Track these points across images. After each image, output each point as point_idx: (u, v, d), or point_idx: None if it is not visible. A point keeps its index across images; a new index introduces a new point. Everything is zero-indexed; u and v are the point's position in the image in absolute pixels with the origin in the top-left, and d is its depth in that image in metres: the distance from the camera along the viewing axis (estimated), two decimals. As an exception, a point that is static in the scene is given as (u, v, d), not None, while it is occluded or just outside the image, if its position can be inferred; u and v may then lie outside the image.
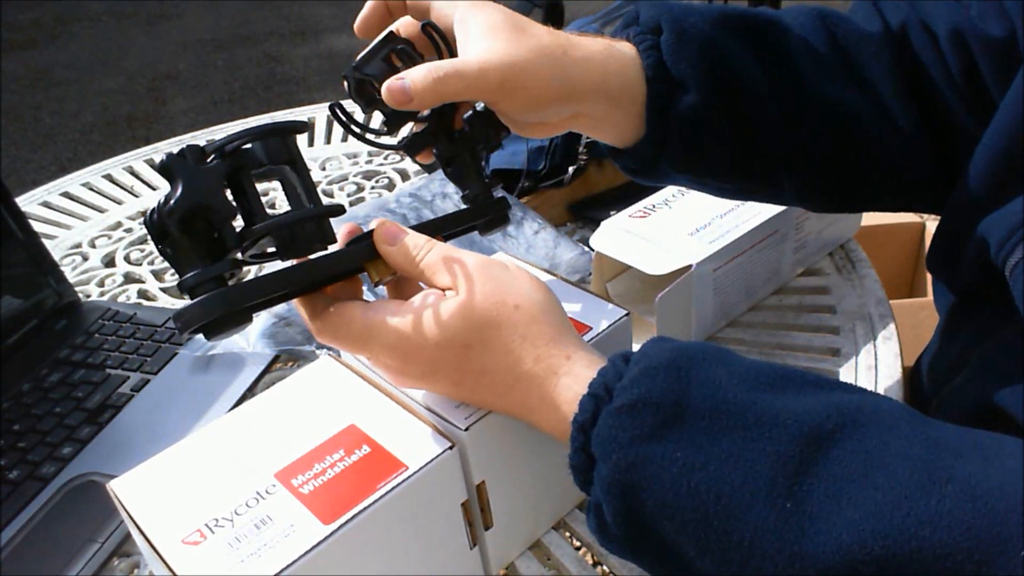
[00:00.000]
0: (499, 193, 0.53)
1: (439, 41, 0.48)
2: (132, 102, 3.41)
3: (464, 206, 0.52)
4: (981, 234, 0.47)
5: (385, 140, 0.50)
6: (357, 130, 0.47)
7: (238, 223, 0.41)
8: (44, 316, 0.79)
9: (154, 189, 1.06)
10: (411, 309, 0.41)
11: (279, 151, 0.41)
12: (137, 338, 0.75)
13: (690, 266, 0.61)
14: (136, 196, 1.05)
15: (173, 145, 1.15)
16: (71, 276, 0.88)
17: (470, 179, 0.51)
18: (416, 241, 0.43)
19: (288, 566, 0.39)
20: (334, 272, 0.44)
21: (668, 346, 0.39)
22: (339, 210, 0.44)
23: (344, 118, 0.47)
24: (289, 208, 0.43)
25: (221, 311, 0.39)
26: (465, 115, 0.51)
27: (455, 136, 0.51)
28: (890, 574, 0.31)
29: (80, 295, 0.84)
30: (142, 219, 0.41)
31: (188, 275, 0.39)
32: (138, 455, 0.47)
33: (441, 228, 0.49)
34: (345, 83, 0.49)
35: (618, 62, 0.48)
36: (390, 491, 0.42)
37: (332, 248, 0.44)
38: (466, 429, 0.44)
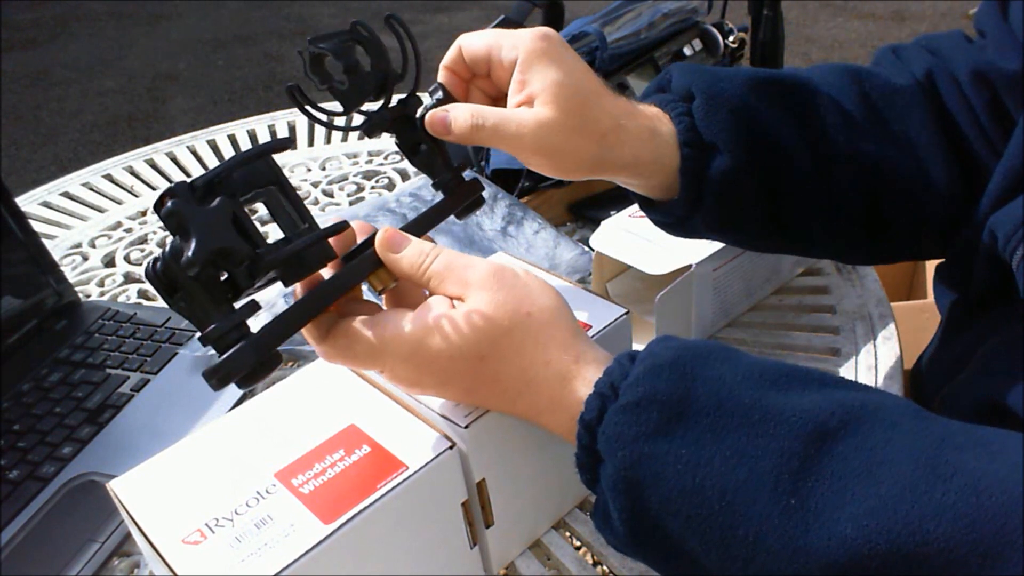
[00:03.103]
0: (469, 175, 0.53)
1: (403, 37, 0.48)
2: (132, 102, 3.41)
3: (439, 197, 0.51)
4: (990, 229, 0.48)
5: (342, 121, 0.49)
6: (314, 112, 0.46)
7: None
8: (44, 316, 0.79)
9: (154, 189, 1.06)
10: (422, 322, 0.41)
11: (265, 174, 0.41)
12: (137, 338, 0.75)
13: (690, 266, 0.61)
14: (136, 196, 1.05)
15: (173, 145, 1.15)
16: (71, 276, 0.88)
17: (437, 166, 0.51)
18: (421, 248, 0.43)
19: (288, 566, 0.39)
20: (345, 292, 0.43)
21: (673, 344, 0.39)
22: (342, 227, 0.43)
23: (300, 100, 0.45)
24: (280, 229, 0.42)
25: (254, 362, 0.39)
26: (419, 110, 0.50)
27: (417, 124, 0.50)
28: (894, 568, 0.31)
29: (80, 295, 0.83)
30: (146, 268, 0.38)
31: (211, 328, 0.38)
32: (138, 455, 0.47)
33: (425, 226, 0.48)
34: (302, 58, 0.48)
35: (652, 140, 0.50)
36: (390, 491, 0.42)
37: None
38: (466, 427, 0.44)
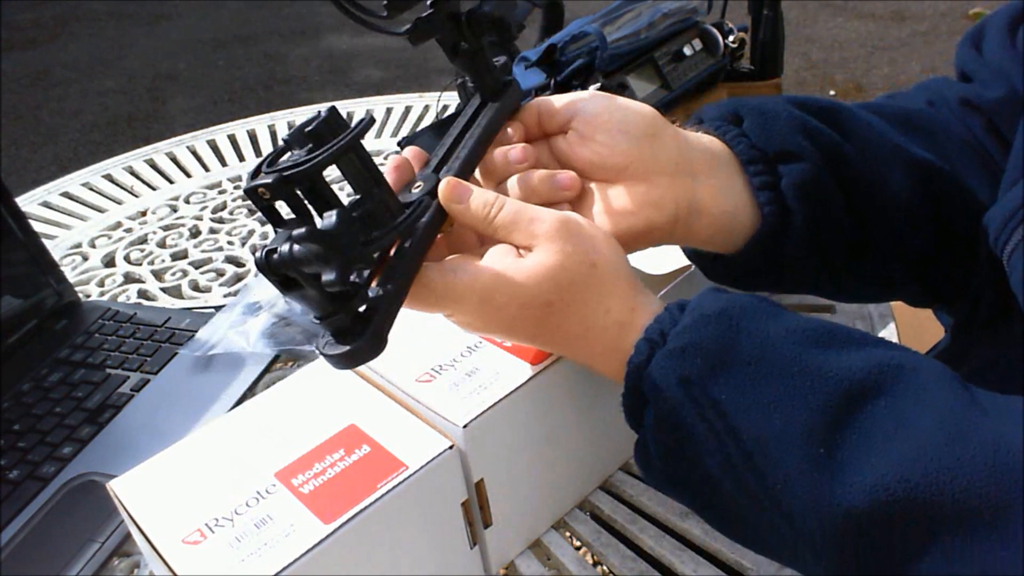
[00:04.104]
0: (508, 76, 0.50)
1: None
2: (132, 102, 3.42)
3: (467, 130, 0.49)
4: (983, 226, 0.48)
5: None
6: (354, 11, 0.43)
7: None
8: (44, 316, 0.79)
9: (154, 189, 1.06)
10: (493, 271, 0.42)
11: (345, 148, 0.40)
12: (137, 338, 0.75)
13: (690, 266, 0.61)
14: (136, 196, 1.05)
15: (173, 145, 1.15)
16: (71, 276, 0.88)
17: (478, 67, 0.49)
18: (486, 198, 0.43)
19: (288, 566, 0.39)
20: (425, 255, 0.43)
21: (722, 297, 0.41)
22: (431, 201, 0.43)
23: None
24: (353, 190, 0.41)
25: (379, 348, 0.39)
26: (468, 10, 0.47)
27: (462, 21, 0.47)
28: (910, 515, 0.33)
29: (80, 295, 0.84)
30: (258, 260, 0.38)
31: (330, 319, 0.39)
32: (138, 455, 0.48)
33: (481, 151, 0.47)
34: None
35: (703, 139, 0.48)
36: (390, 491, 0.42)
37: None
38: (465, 427, 0.44)
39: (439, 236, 0.46)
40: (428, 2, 0.46)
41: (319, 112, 0.39)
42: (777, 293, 0.66)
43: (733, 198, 0.48)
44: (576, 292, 0.42)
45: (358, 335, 0.39)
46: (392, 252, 0.42)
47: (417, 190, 0.44)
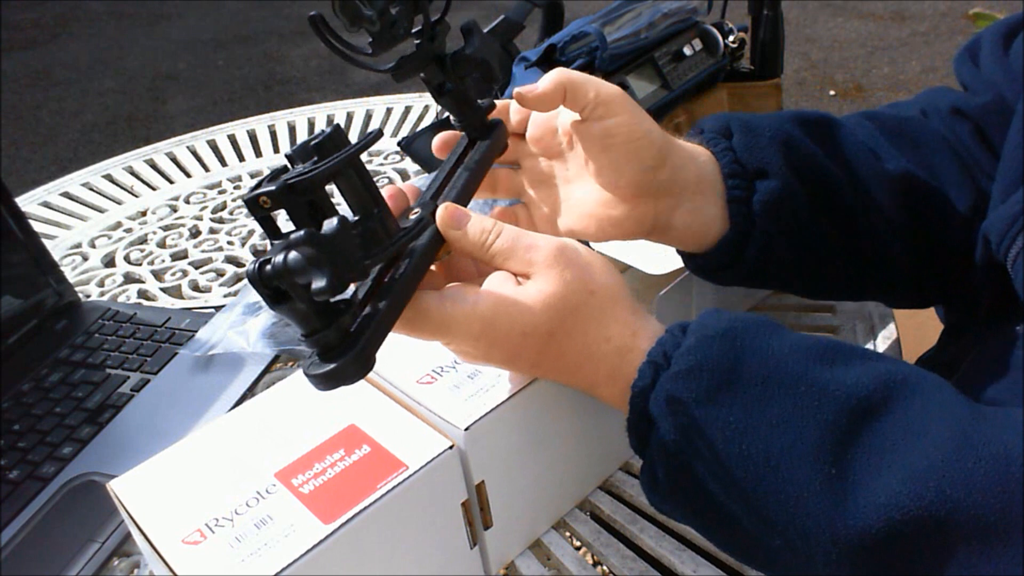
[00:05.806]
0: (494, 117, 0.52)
1: None
2: (132, 102, 3.42)
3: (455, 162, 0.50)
4: (984, 234, 0.48)
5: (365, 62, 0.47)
6: (340, 47, 0.43)
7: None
8: (44, 316, 0.79)
9: (154, 189, 1.06)
10: (493, 299, 0.41)
11: (349, 162, 0.40)
12: (137, 338, 0.75)
13: (690, 266, 0.61)
14: (136, 196, 1.05)
15: (173, 145, 1.15)
16: (71, 276, 0.88)
17: (464, 107, 0.50)
18: (483, 225, 0.43)
19: (288, 566, 0.39)
20: (421, 279, 0.43)
21: (724, 317, 0.41)
22: (429, 225, 0.43)
23: (327, 34, 0.43)
24: (350, 208, 0.41)
25: (365, 369, 0.39)
26: (452, 52, 0.49)
27: (446, 62, 0.48)
28: (927, 533, 0.33)
29: (80, 295, 0.84)
30: (250, 272, 0.36)
31: (317, 336, 0.37)
32: (138, 455, 0.48)
33: (473, 187, 0.48)
34: None
35: (698, 158, 0.51)
36: (390, 491, 0.42)
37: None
38: (466, 429, 0.44)
39: (437, 265, 0.46)
40: (415, 43, 0.47)
41: (322, 130, 0.39)
42: (756, 288, 0.66)
43: (709, 214, 0.50)
44: (577, 320, 0.42)
45: (344, 353, 0.38)
46: (388, 275, 0.41)
47: (414, 216, 0.44)
